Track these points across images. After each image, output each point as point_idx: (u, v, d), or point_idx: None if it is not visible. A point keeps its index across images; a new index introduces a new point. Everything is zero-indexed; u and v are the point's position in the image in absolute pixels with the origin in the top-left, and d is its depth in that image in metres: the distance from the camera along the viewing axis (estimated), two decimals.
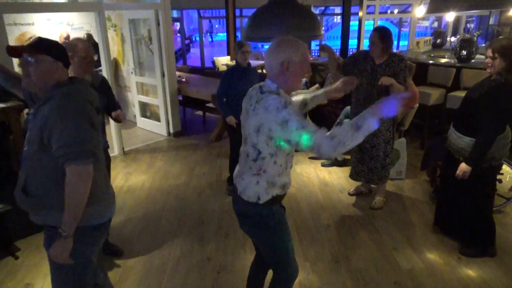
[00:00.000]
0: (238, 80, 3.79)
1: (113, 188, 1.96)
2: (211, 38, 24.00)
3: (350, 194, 3.96)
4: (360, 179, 3.73)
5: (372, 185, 3.85)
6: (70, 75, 1.78)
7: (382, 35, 3.18)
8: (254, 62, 8.82)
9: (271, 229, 1.90)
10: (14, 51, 1.62)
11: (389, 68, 3.22)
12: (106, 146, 2.81)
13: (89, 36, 6.39)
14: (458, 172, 2.67)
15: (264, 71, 9.15)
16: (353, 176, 3.77)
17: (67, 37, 6.24)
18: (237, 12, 10.72)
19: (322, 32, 3.63)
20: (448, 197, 3.07)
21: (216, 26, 26.66)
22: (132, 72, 6.24)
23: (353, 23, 8.22)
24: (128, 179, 4.47)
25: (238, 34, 9.91)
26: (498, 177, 3.30)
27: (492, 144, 2.57)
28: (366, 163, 3.58)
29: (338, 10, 17.22)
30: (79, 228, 1.64)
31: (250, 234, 2.05)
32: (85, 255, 1.78)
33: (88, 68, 2.58)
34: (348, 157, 4.84)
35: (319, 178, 4.41)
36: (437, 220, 3.26)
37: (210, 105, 6.19)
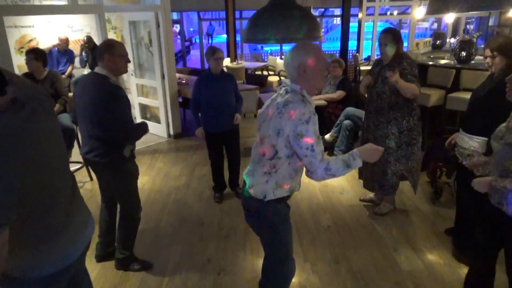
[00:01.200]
0: (210, 87, 3.65)
1: (81, 223, 1.56)
2: (211, 40, 24.02)
3: (361, 200, 3.88)
4: (371, 189, 3.67)
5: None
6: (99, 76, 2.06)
7: (395, 35, 3.12)
8: (253, 64, 8.84)
9: (274, 226, 1.98)
10: None
11: (390, 69, 3.16)
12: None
13: (89, 38, 6.40)
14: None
15: (265, 72, 9.18)
16: (366, 186, 3.73)
17: (66, 40, 6.26)
18: (237, 14, 10.73)
19: (322, 33, 3.64)
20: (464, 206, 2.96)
21: (216, 28, 26.71)
22: (132, 74, 6.25)
23: (353, 25, 8.24)
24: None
25: (238, 36, 9.92)
26: None
27: None
28: (374, 175, 3.51)
29: (337, 11, 17.24)
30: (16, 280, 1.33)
31: (253, 228, 2.13)
32: None
33: (125, 68, 2.54)
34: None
35: None
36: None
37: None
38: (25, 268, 1.34)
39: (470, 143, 2.67)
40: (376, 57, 7.43)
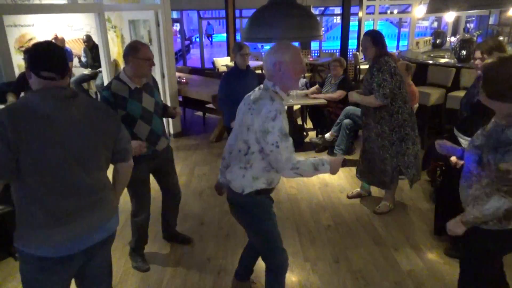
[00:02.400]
0: (237, 82, 3.74)
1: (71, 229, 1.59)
2: (211, 40, 24.00)
3: (349, 197, 3.94)
4: (363, 179, 3.75)
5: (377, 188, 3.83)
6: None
7: (373, 38, 3.15)
8: (253, 63, 8.83)
9: (256, 217, 2.07)
10: None
11: (369, 72, 3.24)
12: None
13: (88, 37, 6.39)
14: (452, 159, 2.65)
15: (259, 71, 9.18)
16: (358, 174, 3.78)
17: (62, 40, 6.25)
18: (237, 13, 10.72)
19: (322, 32, 3.64)
20: (450, 201, 3.03)
21: (216, 27, 26.68)
22: None
23: (353, 24, 8.23)
24: None
25: (238, 35, 9.91)
26: None
27: None
28: (371, 169, 3.56)
29: (337, 10, 17.22)
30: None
31: (239, 221, 2.20)
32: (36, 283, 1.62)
33: (150, 71, 2.60)
34: (349, 157, 4.85)
35: (319, 178, 4.41)
36: (437, 225, 3.21)
37: (210, 105, 6.20)
38: (24, 244, 1.55)
39: (464, 143, 2.72)
40: None
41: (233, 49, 3.79)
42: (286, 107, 2.01)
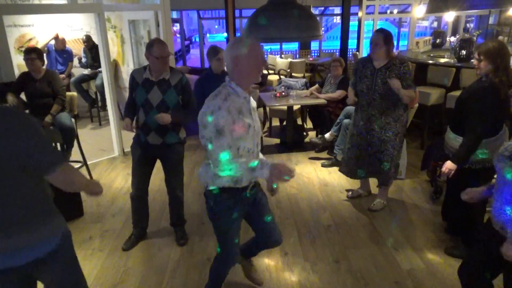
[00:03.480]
0: (212, 88, 3.64)
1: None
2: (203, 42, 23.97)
3: (349, 197, 3.94)
4: (360, 176, 3.73)
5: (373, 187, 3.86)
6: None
7: (385, 36, 3.15)
8: None
9: (214, 214, 2.10)
10: None
11: (390, 71, 3.18)
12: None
13: (88, 38, 6.39)
14: (443, 168, 2.68)
15: (265, 71, 9.17)
16: (351, 175, 3.77)
17: (62, 40, 6.25)
18: (237, 13, 10.72)
19: (322, 32, 3.64)
20: (450, 197, 3.07)
21: (216, 26, 26.67)
22: None
23: (353, 24, 8.22)
24: (128, 180, 4.46)
25: (238, 35, 9.90)
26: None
27: (477, 146, 2.57)
28: (363, 167, 3.58)
29: (337, 10, 17.22)
30: None
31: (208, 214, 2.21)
32: None
33: (163, 68, 2.77)
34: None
35: (319, 178, 4.41)
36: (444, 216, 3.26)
37: None
38: None
39: (454, 142, 2.75)
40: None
41: (208, 53, 3.65)
42: (250, 103, 1.99)
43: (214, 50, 3.60)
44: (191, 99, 2.99)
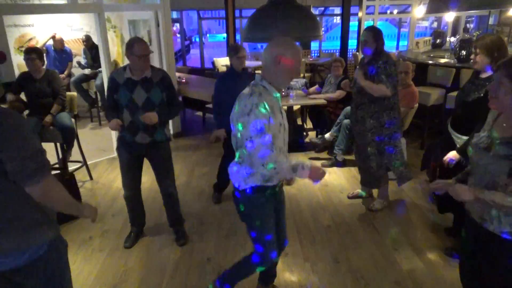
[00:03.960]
0: (233, 86, 3.55)
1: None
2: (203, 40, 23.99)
3: (349, 197, 3.94)
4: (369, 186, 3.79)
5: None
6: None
7: (375, 33, 3.19)
8: (253, 63, 8.84)
9: (249, 214, 2.10)
10: None
11: (371, 66, 3.24)
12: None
13: (88, 37, 6.39)
14: (445, 158, 2.63)
15: (259, 71, 9.17)
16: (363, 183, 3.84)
17: (61, 40, 6.25)
18: (237, 13, 10.71)
19: (322, 32, 3.64)
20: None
21: (216, 26, 26.68)
22: None
23: (353, 24, 8.23)
24: None
25: (238, 35, 9.91)
26: None
27: None
28: (362, 170, 3.66)
29: (337, 10, 17.22)
30: None
31: (239, 216, 2.20)
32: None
33: (145, 66, 2.76)
34: (348, 157, 4.84)
35: None
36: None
37: (210, 105, 6.19)
38: None
39: (458, 141, 2.75)
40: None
41: (229, 51, 3.68)
42: (279, 104, 1.99)
43: (235, 48, 3.62)
44: (175, 95, 3.01)
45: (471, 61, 2.67)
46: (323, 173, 1.94)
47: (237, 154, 2.00)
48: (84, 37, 6.39)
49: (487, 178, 1.69)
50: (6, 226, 1.48)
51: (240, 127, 1.84)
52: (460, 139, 2.75)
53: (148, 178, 4.51)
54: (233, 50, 3.64)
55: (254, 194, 2.02)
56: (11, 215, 1.49)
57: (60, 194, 1.55)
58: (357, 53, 8.34)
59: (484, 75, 2.62)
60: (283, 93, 5.20)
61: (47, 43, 6.25)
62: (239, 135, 1.89)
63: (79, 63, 6.50)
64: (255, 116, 1.77)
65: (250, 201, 2.05)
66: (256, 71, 8.81)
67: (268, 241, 2.14)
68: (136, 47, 2.68)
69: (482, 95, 2.58)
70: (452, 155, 2.62)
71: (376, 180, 3.60)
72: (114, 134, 5.13)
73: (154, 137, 2.91)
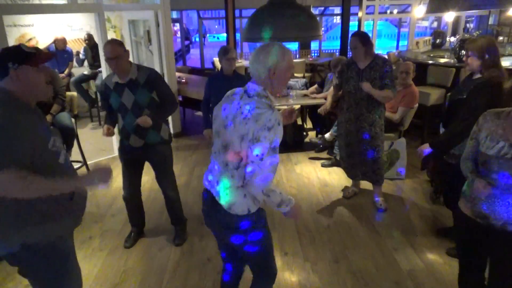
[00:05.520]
0: (221, 88, 3.61)
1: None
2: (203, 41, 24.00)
3: (347, 197, 3.94)
4: (358, 179, 3.83)
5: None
6: None
7: (362, 38, 3.24)
8: None
9: (256, 237, 1.86)
10: None
11: (373, 71, 3.28)
12: None
13: (90, 36, 6.38)
14: (418, 148, 2.78)
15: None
16: (351, 176, 3.88)
17: (63, 40, 6.24)
18: (237, 13, 10.71)
19: (322, 32, 3.64)
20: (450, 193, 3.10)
21: (216, 26, 26.68)
22: None
23: (353, 24, 8.22)
24: None
25: (238, 35, 9.90)
26: None
27: (461, 137, 2.55)
28: (358, 167, 3.67)
29: (337, 10, 17.23)
30: None
31: (236, 245, 1.91)
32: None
33: (116, 69, 2.70)
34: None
35: (319, 178, 4.41)
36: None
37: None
38: None
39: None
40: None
41: (218, 53, 3.64)
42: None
43: (224, 50, 3.59)
44: (167, 91, 2.89)
45: (466, 63, 2.68)
46: (299, 216, 1.91)
47: (235, 174, 1.72)
48: (86, 35, 6.39)
49: (507, 187, 1.74)
50: None
51: (251, 141, 1.62)
52: None
53: (148, 178, 4.52)
54: (222, 51, 3.59)
55: (257, 214, 1.84)
56: None
57: (24, 189, 1.51)
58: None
59: (476, 76, 2.63)
60: (283, 93, 5.20)
61: (50, 45, 6.25)
62: (244, 151, 1.66)
63: (77, 59, 6.49)
64: (274, 132, 1.62)
65: (256, 222, 1.85)
66: None
67: (272, 261, 2.06)
68: (104, 50, 2.66)
69: (464, 96, 2.61)
70: (423, 147, 2.77)
71: (382, 176, 3.64)
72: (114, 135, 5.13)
73: (146, 140, 2.87)
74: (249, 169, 1.65)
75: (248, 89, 1.77)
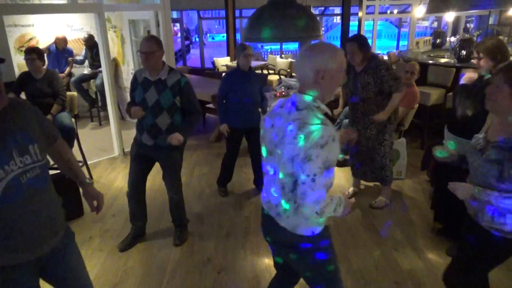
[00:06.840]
0: (238, 84, 3.70)
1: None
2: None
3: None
4: (365, 178, 3.80)
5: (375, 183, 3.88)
6: None
7: (360, 43, 3.20)
8: (253, 63, 8.84)
9: (324, 259, 1.77)
10: None
11: (368, 75, 3.25)
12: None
13: (90, 36, 6.37)
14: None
15: (265, 71, 9.16)
16: (357, 175, 3.87)
17: (64, 39, 6.24)
18: (237, 13, 10.72)
19: (322, 32, 3.64)
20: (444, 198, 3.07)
21: (216, 26, 26.68)
22: (132, 73, 6.24)
23: (353, 23, 8.23)
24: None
25: (238, 35, 9.91)
26: None
27: None
28: (367, 164, 3.63)
29: (337, 10, 17.22)
30: None
31: (295, 267, 1.84)
32: None
33: (145, 64, 2.74)
34: (348, 157, 4.84)
35: None
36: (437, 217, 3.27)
37: (210, 105, 6.19)
38: None
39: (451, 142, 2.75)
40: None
41: (236, 49, 3.74)
42: None
43: (242, 46, 3.66)
44: (192, 102, 2.92)
45: (475, 66, 2.68)
46: (350, 203, 1.77)
47: (291, 198, 1.59)
48: (87, 35, 6.38)
49: (479, 179, 1.76)
50: None
51: (302, 159, 1.46)
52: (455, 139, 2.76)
53: (149, 177, 4.51)
54: (240, 48, 3.68)
55: (323, 234, 1.76)
56: None
57: None
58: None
59: (487, 77, 2.62)
60: (284, 93, 5.20)
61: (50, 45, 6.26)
62: (299, 171, 1.49)
63: (75, 60, 6.48)
64: (329, 150, 1.45)
65: (322, 243, 1.76)
66: (256, 71, 8.82)
67: (341, 282, 1.85)
68: (140, 43, 2.73)
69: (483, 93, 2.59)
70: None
71: (383, 178, 3.63)
72: (114, 134, 5.14)
73: (156, 141, 2.89)
74: (300, 190, 1.49)
75: (296, 100, 1.57)
